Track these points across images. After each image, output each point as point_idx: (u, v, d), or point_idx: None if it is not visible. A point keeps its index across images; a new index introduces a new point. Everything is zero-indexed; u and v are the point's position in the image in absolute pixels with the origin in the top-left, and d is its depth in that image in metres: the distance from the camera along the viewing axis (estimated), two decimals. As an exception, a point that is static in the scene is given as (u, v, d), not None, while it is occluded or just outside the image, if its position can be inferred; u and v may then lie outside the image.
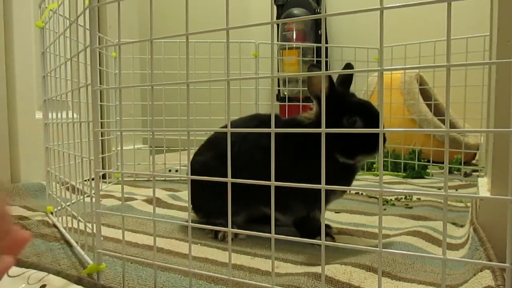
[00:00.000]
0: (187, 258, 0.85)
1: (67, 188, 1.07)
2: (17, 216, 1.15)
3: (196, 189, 1.00)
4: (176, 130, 0.69)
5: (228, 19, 0.56)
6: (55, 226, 1.06)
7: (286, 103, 2.10)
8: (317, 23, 3.25)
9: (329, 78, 0.88)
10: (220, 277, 0.68)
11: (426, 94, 2.20)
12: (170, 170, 2.05)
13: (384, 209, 1.29)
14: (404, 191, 0.63)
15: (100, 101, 1.83)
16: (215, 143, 1.06)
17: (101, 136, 1.82)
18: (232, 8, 0.55)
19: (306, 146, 0.91)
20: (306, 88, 0.91)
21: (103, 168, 1.78)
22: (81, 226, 0.85)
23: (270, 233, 0.56)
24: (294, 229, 1.00)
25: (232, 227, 0.59)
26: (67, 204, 0.97)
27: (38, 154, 1.51)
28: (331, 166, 0.60)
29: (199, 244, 0.95)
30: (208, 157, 1.04)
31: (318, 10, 3.20)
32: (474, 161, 2.25)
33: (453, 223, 1.11)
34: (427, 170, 1.96)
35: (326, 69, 0.50)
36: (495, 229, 0.80)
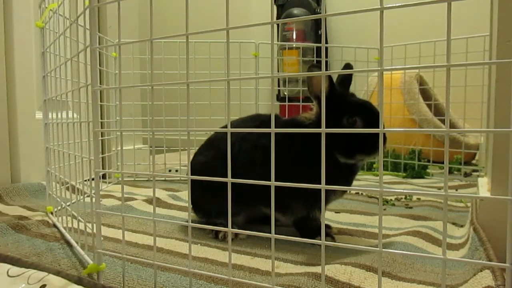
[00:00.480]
0: (187, 258, 0.86)
1: (67, 188, 1.07)
2: (17, 216, 1.15)
3: (197, 189, 1.00)
4: (176, 130, 0.69)
5: (228, 19, 0.56)
6: (55, 226, 1.06)
7: (286, 103, 2.10)
8: (317, 23, 3.25)
9: (329, 78, 0.88)
10: (220, 277, 0.68)
11: (426, 94, 2.20)
12: (170, 170, 2.05)
13: (384, 209, 1.29)
14: (404, 191, 0.63)
15: (100, 101, 1.83)
16: (215, 143, 1.06)
17: (101, 136, 1.82)
18: (232, 8, 0.55)
19: (306, 147, 0.91)
20: (306, 88, 0.91)
21: (103, 168, 1.78)
22: (81, 226, 0.85)
23: (270, 233, 0.56)
24: (294, 229, 1.00)
25: (232, 227, 0.59)
26: (67, 204, 0.97)
27: (38, 154, 1.51)
28: (331, 166, 0.60)
29: (199, 244, 0.95)
30: (209, 157, 1.04)
31: (318, 10, 3.20)
32: (474, 161, 2.25)
33: (453, 223, 1.11)
34: (427, 170, 1.96)
35: (326, 69, 0.50)
36: (495, 229, 0.80)
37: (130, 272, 0.77)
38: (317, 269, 0.72)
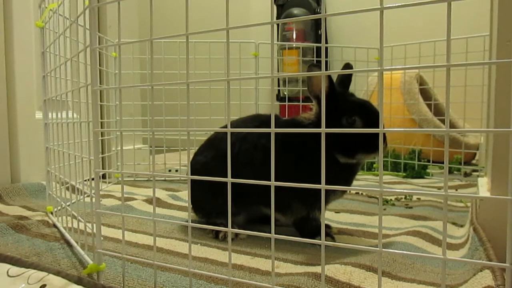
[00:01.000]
0: (187, 258, 0.85)
1: (67, 188, 1.07)
2: (17, 216, 1.15)
3: (197, 189, 1.00)
4: (176, 130, 0.69)
5: (228, 19, 0.56)
6: (55, 226, 1.06)
7: (286, 103, 2.10)
8: (317, 23, 3.25)
9: (329, 78, 0.88)
10: (220, 277, 0.68)
11: (426, 94, 2.20)
12: (170, 170, 2.05)
13: (384, 209, 1.29)
14: (404, 191, 0.63)
15: (100, 101, 1.83)
16: (215, 143, 1.06)
17: (101, 136, 1.82)
18: (232, 8, 0.55)
19: (305, 147, 0.91)
20: (306, 88, 0.91)
21: (103, 168, 1.78)
22: (81, 226, 0.85)
23: (270, 233, 0.56)
24: (294, 229, 1.00)
25: (232, 227, 0.59)
26: (67, 204, 0.97)
27: (38, 154, 1.51)
28: (331, 166, 0.60)
29: (199, 244, 0.95)
30: (209, 157, 1.04)
31: (318, 10, 3.20)
32: (474, 161, 2.25)
33: (453, 223, 1.11)
34: (427, 170, 1.97)
35: (326, 69, 0.50)
36: (495, 229, 0.80)
37: (130, 272, 0.77)
38: (317, 269, 0.72)
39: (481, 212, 0.85)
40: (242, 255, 0.88)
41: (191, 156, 1.11)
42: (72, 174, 0.96)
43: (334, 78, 0.95)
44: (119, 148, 1.17)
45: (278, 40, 3.20)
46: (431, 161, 1.95)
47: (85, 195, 0.86)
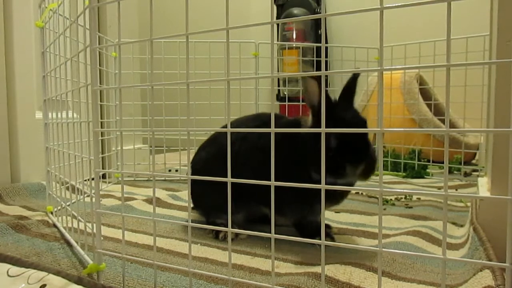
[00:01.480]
0: (187, 258, 0.85)
1: (67, 188, 1.07)
2: (17, 216, 1.15)
3: (197, 186, 1.01)
4: (176, 130, 0.69)
5: (228, 19, 0.56)
6: (55, 226, 1.06)
7: (286, 103, 2.10)
8: (317, 23, 3.25)
9: (321, 87, 0.84)
10: (220, 277, 0.68)
11: (426, 94, 2.20)
12: (170, 170, 2.05)
13: (384, 209, 1.29)
14: (404, 191, 0.63)
15: (100, 101, 1.83)
16: (218, 140, 1.06)
17: (101, 136, 1.82)
18: (232, 8, 0.55)
19: (298, 152, 0.89)
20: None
21: (103, 168, 1.78)
22: (81, 226, 0.85)
23: (270, 233, 0.56)
24: (294, 229, 1.00)
25: (232, 227, 0.59)
26: (67, 204, 0.97)
27: (38, 154, 1.51)
28: (311, 182, 0.58)
29: (199, 244, 0.95)
30: (210, 154, 1.05)
31: (318, 10, 3.20)
32: (474, 161, 2.25)
33: (453, 223, 1.11)
34: (427, 170, 1.97)
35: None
36: (495, 229, 0.80)
37: (130, 272, 0.77)
38: (317, 269, 0.72)
39: (481, 212, 0.85)
40: (242, 255, 0.88)
41: (196, 151, 1.12)
42: (72, 174, 0.96)
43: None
44: (119, 148, 1.17)
45: (278, 40, 3.20)
46: (431, 161, 1.95)
47: (85, 195, 0.86)
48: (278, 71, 3.15)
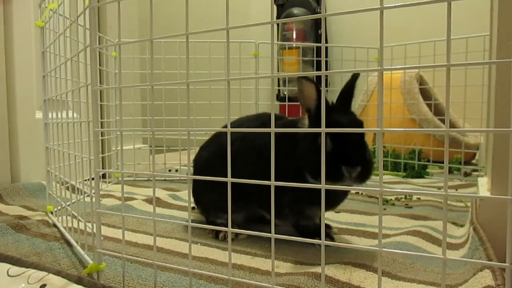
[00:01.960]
0: (187, 257, 0.85)
1: (67, 188, 1.07)
2: (17, 215, 1.15)
3: (198, 185, 1.03)
4: (176, 130, 0.69)
5: (228, 19, 0.56)
6: (55, 225, 1.06)
7: (286, 103, 2.10)
8: (317, 23, 3.25)
9: (318, 91, 0.83)
10: (220, 277, 0.68)
11: (426, 94, 2.20)
12: (170, 170, 2.05)
13: (384, 209, 1.29)
14: (404, 191, 0.63)
15: (100, 101, 1.83)
16: (219, 139, 1.06)
17: (101, 136, 1.82)
18: (232, 8, 0.55)
19: (293, 156, 0.88)
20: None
21: (103, 168, 1.78)
22: (81, 226, 0.85)
23: (270, 233, 0.56)
24: (294, 229, 1.00)
25: (232, 227, 0.59)
26: (67, 203, 0.97)
27: (38, 154, 1.51)
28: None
29: (199, 244, 0.95)
30: (211, 153, 1.05)
31: (318, 10, 3.20)
32: (474, 161, 2.25)
33: (453, 223, 1.11)
34: (427, 170, 1.96)
35: (326, 69, 0.50)
36: (495, 229, 0.80)
37: (130, 272, 0.77)
38: (317, 269, 0.72)
39: (481, 212, 0.85)
40: (242, 255, 0.88)
41: (197, 150, 1.13)
42: (72, 174, 0.96)
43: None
44: (119, 148, 1.17)
45: (278, 40, 3.20)
46: (431, 161, 1.95)
47: (85, 195, 0.86)
48: (278, 71, 3.15)
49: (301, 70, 2.67)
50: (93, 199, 0.72)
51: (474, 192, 1.35)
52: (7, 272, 0.72)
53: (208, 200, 1.05)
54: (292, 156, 0.88)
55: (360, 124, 0.86)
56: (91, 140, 0.71)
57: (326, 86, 1.04)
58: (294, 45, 2.87)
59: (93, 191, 0.73)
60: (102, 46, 1.76)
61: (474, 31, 1.79)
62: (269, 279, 0.74)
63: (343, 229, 1.08)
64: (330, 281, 0.70)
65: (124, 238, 0.69)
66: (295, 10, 3.18)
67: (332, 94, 0.91)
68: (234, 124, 1.06)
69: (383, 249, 0.49)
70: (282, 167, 0.83)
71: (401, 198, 1.43)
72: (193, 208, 1.19)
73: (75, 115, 1.02)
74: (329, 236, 0.97)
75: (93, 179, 0.71)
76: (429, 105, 2.10)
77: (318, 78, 0.51)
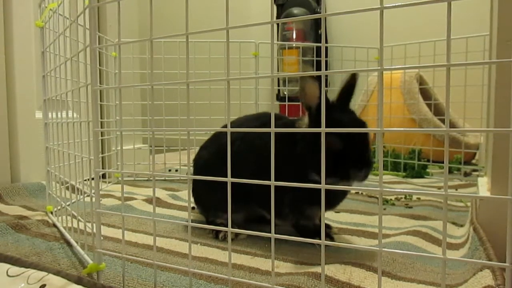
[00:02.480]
0: (187, 257, 0.85)
1: (67, 188, 1.07)
2: (17, 215, 1.15)
3: (198, 184, 1.04)
4: (176, 130, 0.69)
5: (228, 19, 0.56)
6: (55, 225, 1.06)
7: (286, 103, 2.10)
8: (317, 23, 3.25)
9: (320, 89, 0.83)
10: (220, 277, 0.68)
11: (426, 94, 2.20)
12: (170, 170, 2.05)
13: (384, 209, 1.29)
14: (404, 190, 0.63)
15: (100, 101, 1.83)
16: (219, 138, 1.06)
17: (101, 136, 1.82)
18: (232, 8, 0.55)
19: (295, 156, 0.88)
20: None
21: (103, 168, 1.78)
22: (81, 226, 0.85)
23: (269, 233, 0.56)
24: (294, 229, 1.00)
25: (232, 227, 0.59)
26: (67, 203, 0.97)
27: (38, 154, 1.51)
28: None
29: (199, 244, 0.95)
30: (211, 152, 1.05)
31: (318, 10, 3.20)
32: (474, 161, 2.25)
33: (453, 223, 1.11)
34: (427, 170, 1.97)
35: (326, 69, 0.50)
36: (495, 229, 0.80)
37: (130, 272, 0.77)
38: (317, 269, 0.72)
39: (481, 212, 0.85)
40: (242, 255, 0.88)
41: (197, 150, 1.13)
42: (72, 174, 0.96)
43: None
44: (119, 147, 1.17)
45: (278, 40, 3.20)
46: (431, 161, 1.95)
47: (85, 195, 0.86)
48: (278, 71, 3.15)
49: (301, 70, 2.67)
50: (93, 199, 0.72)
51: (474, 192, 1.35)
52: (7, 272, 0.72)
53: (208, 200, 1.05)
54: (292, 155, 0.88)
55: (363, 123, 0.86)
56: (91, 140, 0.71)
57: (326, 86, 1.04)
58: (294, 45, 2.87)
59: (93, 191, 0.73)
60: (102, 46, 1.76)
61: (474, 31, 1.79)
62: (269, 279, 0.74)
63: (343, 229, 1.07)
64: (330, 281, 0.70)
65: (124, 238, 0.69)
66: (295, 10, 3.17)
67: (332, 93, 0.91)
68: (234, 124, 1.06)
69: (383, 249, 0.49)
70: (282, 167, 0.83)
71: (401, 198, 1.43)
72: (193, 208, 1.19)
73: (75, 115, 1.02)
74: (329, 236, 0.97)
75: (93, 179, 0.71)
76: (429, 105, 2.10)
77: (318, 78, 0.51)
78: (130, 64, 1.82)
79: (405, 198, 1.43)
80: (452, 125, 2.16)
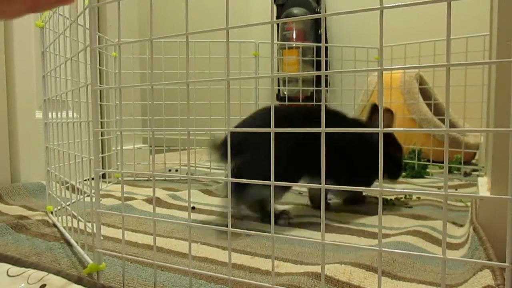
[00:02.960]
0: (187, 257, 0.86)
1: (67, 188, 1.07)
2: (17, 215, 1.15)
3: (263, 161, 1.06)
4: (176, 130, 0.69)
5: (228, 19, 0.56)
6: (55, 225, 1.06)
7: (286, 103, 2.10)
8: (317, 23, 3.25)
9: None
10: (220, 277, 0.68)
11: (426, 94, 2.20)
12: (170, 170, 2.05)
13: (384, 209, 1.29)
14: (404, 190, 0.63)
15: (100, 101, 1.83)
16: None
17: (101, 136, 1.82)
18: (232, 8, 0.55)
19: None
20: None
21: (103, 168, 1.78)
22: (81, 226, 0.85)
23: (270, 232, 0.56)
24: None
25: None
26: (67, 203, 0.97)
27: (38, 154, 1.51)
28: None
29: (199, 243, 0.95)
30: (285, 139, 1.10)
31: (318, 10, 3.19)
32: (474, 161, 2.25)
33: (453, 223, 1.11)
34: (427, 170, 1.97)
35: (326, 69, 0.50)
36: (495, 229, 0.80)
37: (130, 272, 0.77)
38: (317, 269, 0.72)
39: (481, 212, 0.85)
40: (242, 254, 0.88)
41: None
42: (72, 174, 0.96)
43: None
44: (119, 147, 1.17)
45: (278, 40, 3.20)
46: (431, 161, 1.95)
47: (85, 195, 0.86)
48: (278, 71, 3.15)
49: (301, 70, 2.67)
50: (93, 199, 0.72)
51: (474, 192, 1.35)
52: (7, 272, 0.72)
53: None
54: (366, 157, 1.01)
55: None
56: (91, 140, 0.71)
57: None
58: (294, 45, 2.87)
59: (93, 191, 0.73)
60: (102, 46, 1.76)
61: (474, 31, 1.79)
62: (269, 279, 0.74)
63: (343, 229, 1.08)
64: (330, 281, 0.70)
65: (124, 238, 0.69)
66: (295, 10, 3.17)
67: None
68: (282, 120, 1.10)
69: (383, 249, 0.49)
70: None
71: (401, 198, 1.43)
72: (193, 208, 1.19)
73: (75, 115, 1.02)
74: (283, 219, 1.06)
75: (93, 179, 0.71)
76: (429, 105, 2.09)
77: (318, 78, 0.51)
78: (130, 64, 1.82)
79: (405, 198, 1.43)
80: (452, 125, 2.16)
